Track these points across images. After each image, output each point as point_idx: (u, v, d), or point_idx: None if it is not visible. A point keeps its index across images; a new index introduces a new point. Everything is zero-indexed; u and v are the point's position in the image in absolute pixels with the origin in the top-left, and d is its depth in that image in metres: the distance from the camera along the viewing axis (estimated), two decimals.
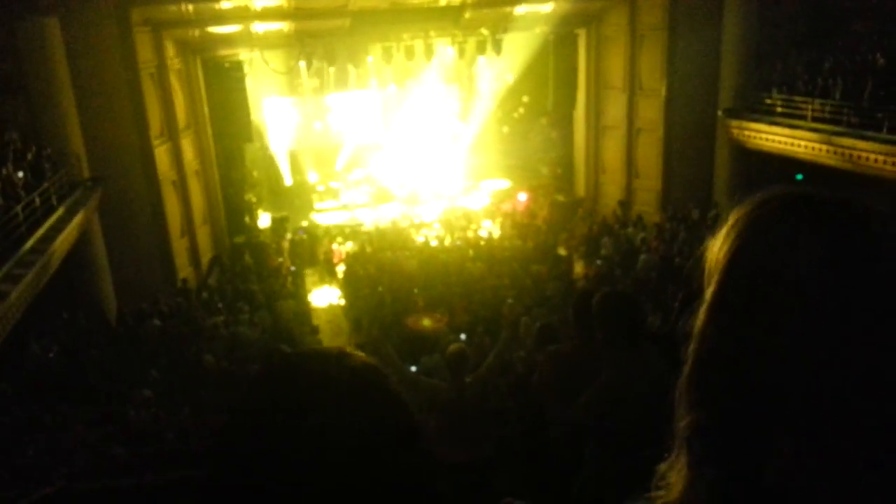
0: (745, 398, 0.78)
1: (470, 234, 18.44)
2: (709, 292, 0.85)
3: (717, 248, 0.86)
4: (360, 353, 0.95)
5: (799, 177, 14.83)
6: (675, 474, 0.85)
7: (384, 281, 14.89)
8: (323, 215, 21.94)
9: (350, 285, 15.72)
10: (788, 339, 0.76)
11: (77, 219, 11.64)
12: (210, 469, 0.88)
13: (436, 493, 0.93)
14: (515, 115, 24.22)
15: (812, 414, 0.75)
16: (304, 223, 21.18)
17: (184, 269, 16.17)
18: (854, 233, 0.78)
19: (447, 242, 17.93)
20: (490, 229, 19.05)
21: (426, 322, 12.65)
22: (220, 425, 0.89)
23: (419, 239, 18.54)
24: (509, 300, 12.57)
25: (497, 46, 19.84)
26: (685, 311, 0.92)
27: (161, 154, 15.41)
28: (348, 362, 0.91)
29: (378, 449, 0.85)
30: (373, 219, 20.97)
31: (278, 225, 20.77)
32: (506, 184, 23.14)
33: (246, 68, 18.55)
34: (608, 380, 3.55)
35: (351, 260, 17.16)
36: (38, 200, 10.66)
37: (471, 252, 16.51)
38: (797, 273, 0.77)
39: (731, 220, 0.86)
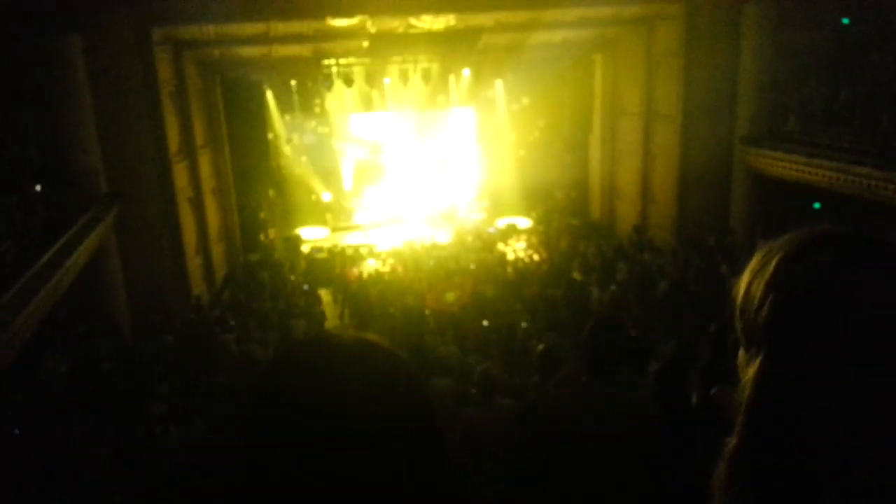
0: (808, 475, 0.70)
1: (487, 256, 18.43)
2: (756, 360, 0.77)
3: (753, 296, 0.78)
4: (383, 345, 0.93)
5: (816, 205, 14.73)
6: None
7: (396, 303, 14.86)
8: (336, 235, 22.02)
9: (362, 306, 15.70)
10: (868, 406, 0.68)
11: (94, 233, 11.72)
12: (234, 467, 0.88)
13: (458, 491, 0.91)
14: (531, 138, 24.31)
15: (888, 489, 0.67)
16: (319, 242, 21.26)
17: (197, 286, 16.24)
18: None
19: (461, 264, 17.91)
20: (506, 252, 19.05)
21: (449, 297, 12.70)
22: (243, 425, 0.89)
23: (432, 262, 18.55)
24: (523, 324, 12.55)
25: (513, 71, 19.98)
26: (720, 345, 0.86)
27: (178, 171, 15.55)
28: (373, 355, 0.90)
29: (400, 448, 0.84)
30: (386, 239, 21.02)
31: (292, 244, 20.87)
32: (526, 222, 22.63)
33: (265, 88, 18.74)
34: (565, 411, 3.45)
35: (363, 281, 17.17)
36: (55, 214, 10.77)
37: (485, 274, 16.48)
38: (863, 332, 0.68)
39: (769, 268, 0.77)
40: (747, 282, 0.80)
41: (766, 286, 0.77)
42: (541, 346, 6.37)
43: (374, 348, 0.92)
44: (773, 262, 0.78)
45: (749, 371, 0.78)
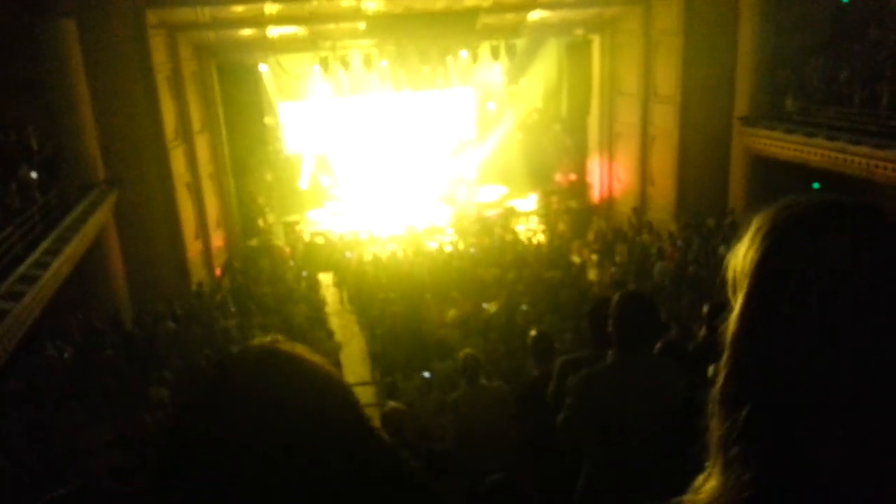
0: (785, 402, 0.77)
1: (486, 240, 18.41)
2: (738, 300, 0.83)
3: (741, 255, 0.85)
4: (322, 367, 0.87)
5: (815, 185, 14.72)
6: (708, 482, 0.83)
7: (396, 287, 14.87)
8: (335, 219, 21.96)
9: (362, 291, 15.71)
10: (825, 340, 0.74)
11: (93, 220, 11.70)
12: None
13: None
14: (529, 121, 24.20)
15: (853, 412, 0.73)
16: (318, 227, 21.21)
17: (198, 272, 16.24)
18: (879, 231, 0.78)
19: (460, 248, 17.89)
20: (506, 234, 19.02)
21: (451, 313, 12.86)
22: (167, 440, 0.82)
23: (432, 245, 18.53)
24: (523, 307, 12.56)
25: (511, 52, 19.86)
26: (714, 323, 0.90)
27: (176, 156, 15.50)
28: (307, 378, 0.83)
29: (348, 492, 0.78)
30: (385, 224, 20.95)
31: (290, 229, 20.84)
32: (532, 198, 22.64)
33: (261, 71, 18.58)
34: (610, 381, 3.48)
35: (363, 265, 17.15)
36: (53, 201, 10.74)
37: (484, 257, 16.47)
38: (827, 274, 0.76)
39: (754, 227, 0.85)
40: (737, 247, 0.86)
41: (751, 239, 0.84)
42: (533, 331, 6.37)
43: (313, 371, 0.85)
44: (761, 218, 0.85)
45: (733, 313, 0.83)
